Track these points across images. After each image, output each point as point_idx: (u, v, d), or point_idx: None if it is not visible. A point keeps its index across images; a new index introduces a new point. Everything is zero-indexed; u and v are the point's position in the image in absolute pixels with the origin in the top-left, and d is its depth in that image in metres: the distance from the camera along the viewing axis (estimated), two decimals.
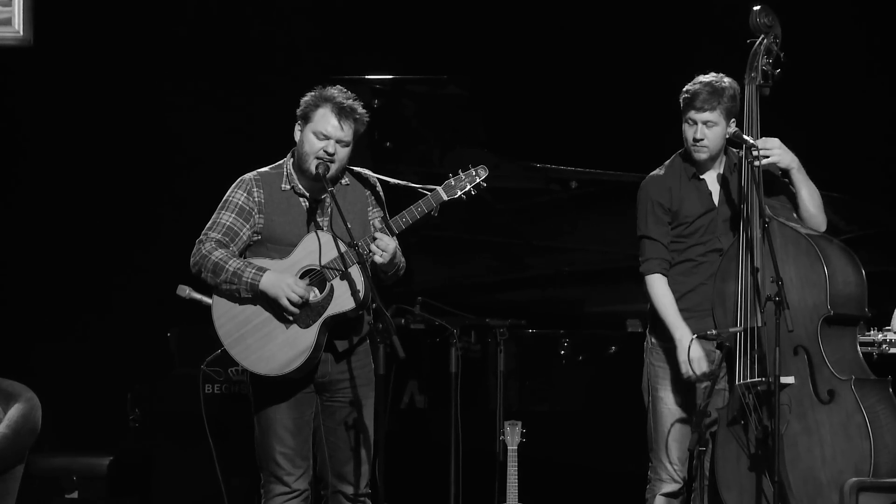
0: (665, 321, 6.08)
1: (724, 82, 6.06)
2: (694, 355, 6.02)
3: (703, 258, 6.19)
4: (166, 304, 6.77)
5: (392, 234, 5.73)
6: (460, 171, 5.79)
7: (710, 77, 6.07)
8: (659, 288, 6.13)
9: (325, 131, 5.80)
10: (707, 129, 6.05)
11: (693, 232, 6.20)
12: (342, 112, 5.77)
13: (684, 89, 6.08)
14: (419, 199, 5.76)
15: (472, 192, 5.78)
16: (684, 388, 6.14)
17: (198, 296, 6.22)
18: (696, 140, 6.05)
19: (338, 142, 5.80)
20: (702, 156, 6.11)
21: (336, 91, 5.82)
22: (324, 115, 5.79)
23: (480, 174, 5.80)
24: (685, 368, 5.98)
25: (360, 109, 5.81)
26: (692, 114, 6.04)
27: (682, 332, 6.02)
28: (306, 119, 5.81)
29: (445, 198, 5.76)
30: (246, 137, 8.68)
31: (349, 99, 5.81)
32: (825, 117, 8.63)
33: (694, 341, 6.02)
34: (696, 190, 6.20)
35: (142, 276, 8.80)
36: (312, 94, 5.83)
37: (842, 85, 8.74)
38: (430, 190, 5.73)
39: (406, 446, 7.46)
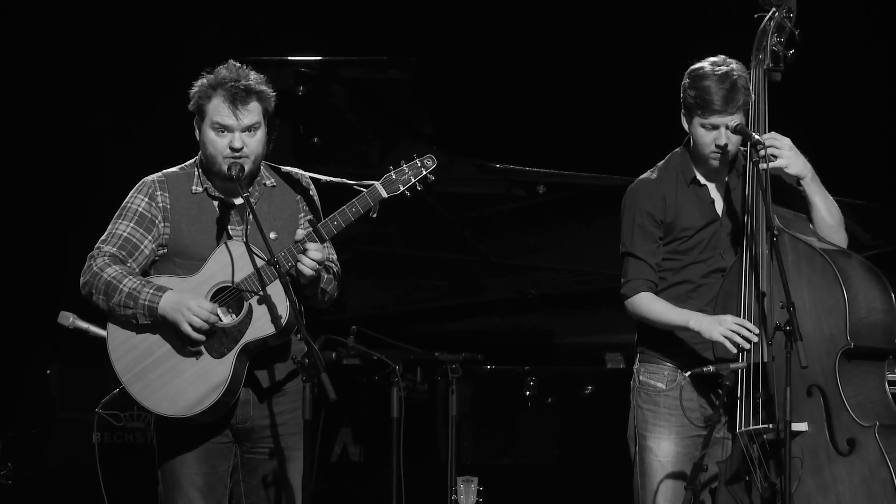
0: (671, 325, 5.87)
1: (735, 70, 5.81)
2: (687, 404, 5.84)
3: (703, 279, 5.96)
4: (45, 335, 6.72)
5: (322, 240, 5.59)
6: (402, 162, 5.63)
7: (718, 68, 5.82)
8: (648, 301, 5.91)
9: (224, 123, 5.62)
10: (730, 133, 5.84)
11: (692, 248, 5.96)
12: (236, 98, 5.59)
13: (690, 85, 5.85)
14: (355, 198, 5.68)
15: (418, 187, 5.62)
16: (678, 436, 5.93)
17: (84, 324, 6.04)
18: (720, 147, 5.83)
19: (244, 131, 5.61)
20: (718, 164, 5.91)
21: (225, 71, 5.64)
22: (217, 106, 5.61)
23: (427, 164, 5.64)
24: (715, 336, 5.71)
25: (260, 87, 5.64)
26: (714, 118, 5.81)
27: (696, 319, 5.80)
28: (201, 113, 5.66)
29: (385, 195, 5.59)
30: (146, 135, 8.73)
31: (241, 78, 5.63)
32: (845, 109, 8.70)
33: (686, 382, 5.82)
34: (695, 198, 5.99)
35: (14, 301, 8.77)
36: (201, 81, 5.66)
37: (866, 70, 8.80)
38: (367, 186, 5.60)
39: None
